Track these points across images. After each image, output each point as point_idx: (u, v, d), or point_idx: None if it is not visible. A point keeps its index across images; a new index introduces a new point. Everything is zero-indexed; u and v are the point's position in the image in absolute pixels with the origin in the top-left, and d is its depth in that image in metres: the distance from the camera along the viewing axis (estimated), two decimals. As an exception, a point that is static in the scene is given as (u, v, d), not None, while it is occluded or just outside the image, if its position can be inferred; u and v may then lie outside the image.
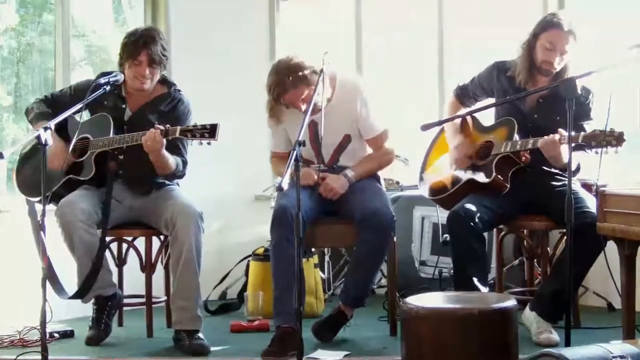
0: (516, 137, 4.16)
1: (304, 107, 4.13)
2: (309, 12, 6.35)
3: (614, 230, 3.52)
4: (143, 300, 4.55)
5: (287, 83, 4.16)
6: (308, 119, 3.76)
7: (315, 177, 4.24)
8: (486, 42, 5.49)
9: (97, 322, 4.37)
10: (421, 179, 4.69)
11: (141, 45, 4.29)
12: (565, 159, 3.66)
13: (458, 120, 4.47)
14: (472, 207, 4.12)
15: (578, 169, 4.13)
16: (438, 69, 5.96)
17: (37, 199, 4.36)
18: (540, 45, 4.17)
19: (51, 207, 4.22)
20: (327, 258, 5.49)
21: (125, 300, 4.68)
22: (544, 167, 4.20)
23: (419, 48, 6.15)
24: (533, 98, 4.26)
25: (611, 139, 3.65)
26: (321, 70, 4.06)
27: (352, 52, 6.06)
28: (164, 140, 4.13)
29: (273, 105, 4.32)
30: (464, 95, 4.55)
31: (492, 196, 4.20)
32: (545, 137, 3.96)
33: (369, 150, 4.49)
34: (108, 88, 4.16)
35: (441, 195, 4.49)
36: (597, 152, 3.68)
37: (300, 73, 4.15)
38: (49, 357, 3.62)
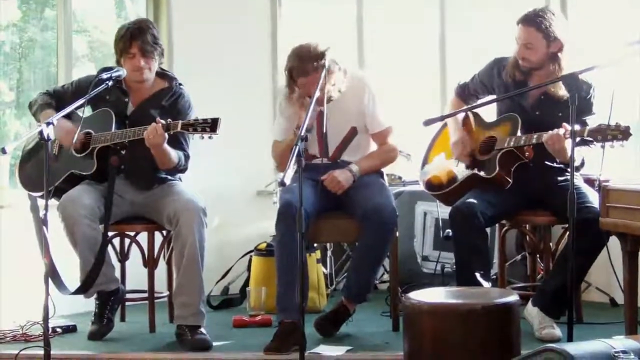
0: (519, 133, 4.16)
1: (316, 94, 4.14)
2: (311, 8, 6.34)
3: (616, 226, 3.53)
4: (145, 295, 4.55)
5: (310, 68, 4.17)
6: (312, 112, 3.77)
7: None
8: (488, 37, 5.49)
9: (99, 317, 4.37)
10: (421, 174, 4.69)
11: (130, 38, 4.31)
12: (569, 154, 3.65)
13: (460, 117, 4.48)
14: (475, 203, 4.12)
15: (582, 164, 4.12)
16: (440, 64, 5.95)
17: (40, 194, 4.36)
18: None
19: (53, 202, 4.23)
20: (329, 253, 5.49)
21: (128, 295, 4.69)
22: (547, 162, 4.20)
23: (421, 43, 6.14)
24: (534, 94, 4.25)
25: (617, 133, 3.64)
26: (323, 65, 4.09)
27: (354, 48, 6.05)
28: (166, 135, 4.13)
29: (292, 85, 4.29)
30: (465, 93, 4.55)
31: (495, 191, 4.20)
32: (550, 131, 3.95)
33: (373, 147, 4.49)
34: (110, 83, 4.17)
35: (443, 190, 4.49)
36: (602, 147, 3.67)
37: (322, 60, 4.16)
38: (52, 352, 3.62)
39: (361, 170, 4.35)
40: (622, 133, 3.64)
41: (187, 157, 4.43)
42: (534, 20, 4.12)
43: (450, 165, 4.48)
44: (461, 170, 4.41)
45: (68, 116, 4.27)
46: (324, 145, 4.35)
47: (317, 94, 3.88)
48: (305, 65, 4.19)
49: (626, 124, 3.65)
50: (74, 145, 4.31)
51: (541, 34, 4.12)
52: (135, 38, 4.30)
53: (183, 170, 4.48)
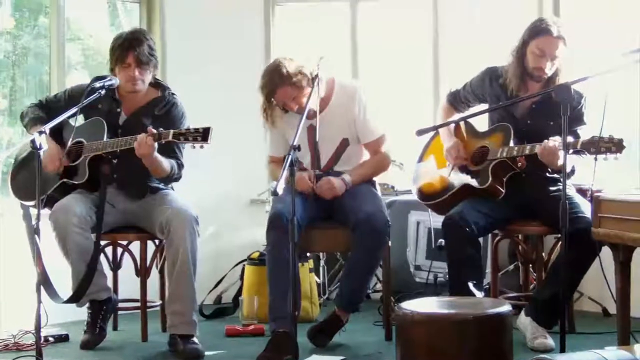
0: (511, 142, 4.16)
1: (296, 107, 4.17)
2: (305, 17, 6.35)
3: (608, 236, 3.52)
4: (138, 304, 4.54)
5: (276, 82, 4.18)
6: (304, 123, 3.78)
7: (310, 183, 4.25)
8: (481, 46, 5.49)
9: (92, 326, 4.37)
10: (414, 183, 4.69)
11: (127, 48, 4.30)
12: (562, 163, 3.65)
13: (452, 126, 4.48)
14: (468, 213, 4.12)
15: (573, 171, 4.11)
16: (433, 73, 5.96)
17: (32, 203, 4.35)
18: (530, 52, 4.17)
19: (45, 212, 4.22)
20: (322, 262, 5.49)
21: (120, 305, 4.68)
22: (539, 173, 4.21)
23: (414, 52, 6.15)
24: (526, 104, 4.26)
25: (611, 145, 3.63)
26: (316, 75, 4.08)
27: (348, 56, 6.06)
28: (156, 145, 4.12)
29: (266, 107, 4.33)
30: (457, 101, 4.55)
31: (487, 201, 4.20)
32: (544, 143, 3.94)
33: (366, 157, 4.49)
34: (103, 92, 4.17)
35: (436, 200, 4.49)
36: (595, 158, 3.67)
37: (286, 72, 4.17)
38: (44, 361, 3.62)
39: (353, 180, 4.35)
40: (615, 145, 3.63)
41: (180, 165, 4.43)
42: (558, 33, 4.09)
43: (444, 174, 4.48)
44: (454, 180, 4.41)
45: (60, 126, 4.26)
46: (315, 158, 4.35)
47: (297, 106, 3.89)
48: (272, 80, 4.20)
49: (620, 136, 3.65)
50: (58, 170, 4.32)
51: (565, 45, 4.12)
52: (132, 48, 4.29)
53: (177, 179, 4.47)
